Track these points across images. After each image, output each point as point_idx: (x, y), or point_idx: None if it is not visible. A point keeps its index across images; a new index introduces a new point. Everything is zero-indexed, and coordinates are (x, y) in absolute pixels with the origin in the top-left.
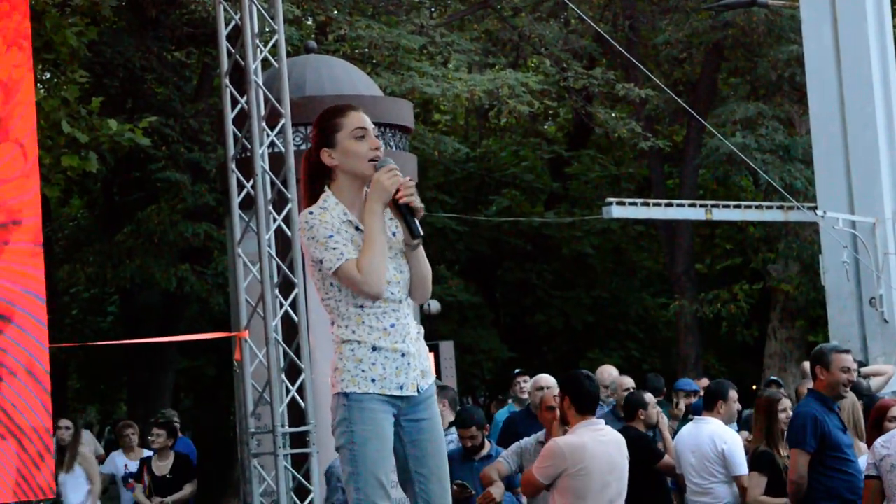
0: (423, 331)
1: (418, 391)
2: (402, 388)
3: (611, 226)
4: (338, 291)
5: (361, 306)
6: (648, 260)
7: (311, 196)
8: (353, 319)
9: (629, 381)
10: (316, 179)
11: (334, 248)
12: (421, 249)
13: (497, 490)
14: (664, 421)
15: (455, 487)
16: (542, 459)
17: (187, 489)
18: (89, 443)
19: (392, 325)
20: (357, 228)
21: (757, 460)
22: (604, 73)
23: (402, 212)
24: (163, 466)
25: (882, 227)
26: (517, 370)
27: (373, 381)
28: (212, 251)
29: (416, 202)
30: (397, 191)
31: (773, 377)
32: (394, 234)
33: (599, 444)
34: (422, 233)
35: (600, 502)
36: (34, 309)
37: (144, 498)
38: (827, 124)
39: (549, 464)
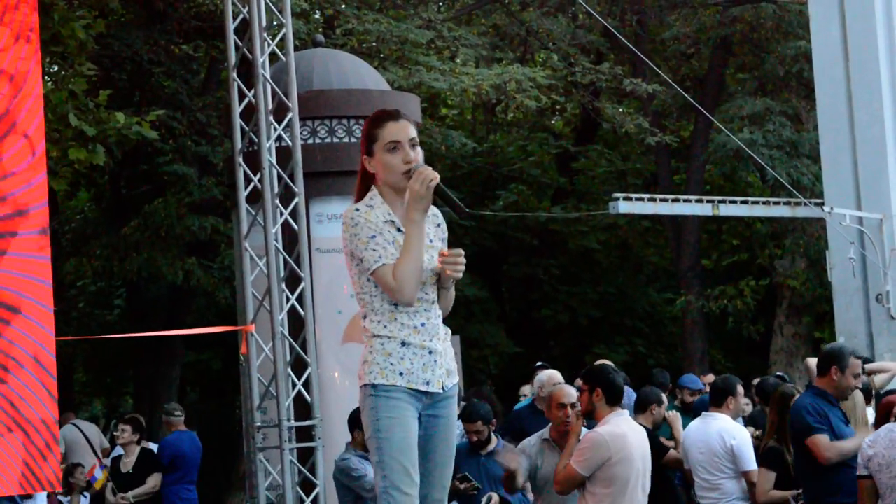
0: (450, 332)
1: (443, 389)
2: (428, 383)
3: (617, 221)
4: (373, 287)
5: (395, 304)
6: (655, 255)
7: (360, 194)
8: (385, 315)
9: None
10: (365, 180)
11: (374, 250)
12: (453, 287)
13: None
14: (675, 416)
15: (456, 482)
16: (582, 452)
17: (150, 482)
18: (94, 437)
19: (423, 324)
20: (399, 229)
21: (766, 456)
22: (611, 69)
23: (441, 193)
24: (127, 463)
25: (889, 224)
26: (539, 363)
27: (400, 374)
28: (218, 245)
29: (437, 177)
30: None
31: (779, 373)
32: (430, 240)
33: (635, 433)
34: (466, 209)
35: (638, 489)
36: (42, 296)
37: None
38: (834, 120)
39: (590, 455)
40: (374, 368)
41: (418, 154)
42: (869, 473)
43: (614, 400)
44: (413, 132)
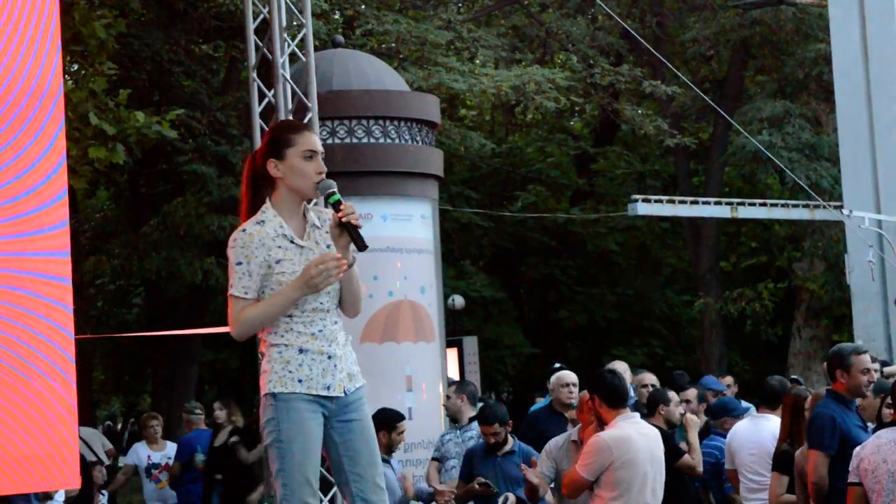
0: (350, 338)
1: (345, 393)
2: (328, 388)
3: (636, 223)
4: None
5: (290, 315)
6: (673, 257)
7: (250, 202)
8: (281, 326)
9: (650, 378)
10: (256, 187)
11: (231, 276)
12: (355, 269)
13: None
14: (693, 421)
15: (477, 486)
16: (585, 456)
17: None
18: (96, 441)
19: (320, 331)
20: (292, 241)
21: (778, 460)
22: (630, 70)
23: (348, 229)
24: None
25: None
26: (556, 365)
27: (299, 381)
28: None
29: (358, 220)
30: (339, 210)
31: (794, 376)
32: (328, 246)
33: (641, 436)
34: (367, 245)
35: (645, 493)
36: (60, 295)
37: None
38: (854, 123)
39: (593, 459)
40: (273, 377)
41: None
42: (858, 480)
43: (616, 402)
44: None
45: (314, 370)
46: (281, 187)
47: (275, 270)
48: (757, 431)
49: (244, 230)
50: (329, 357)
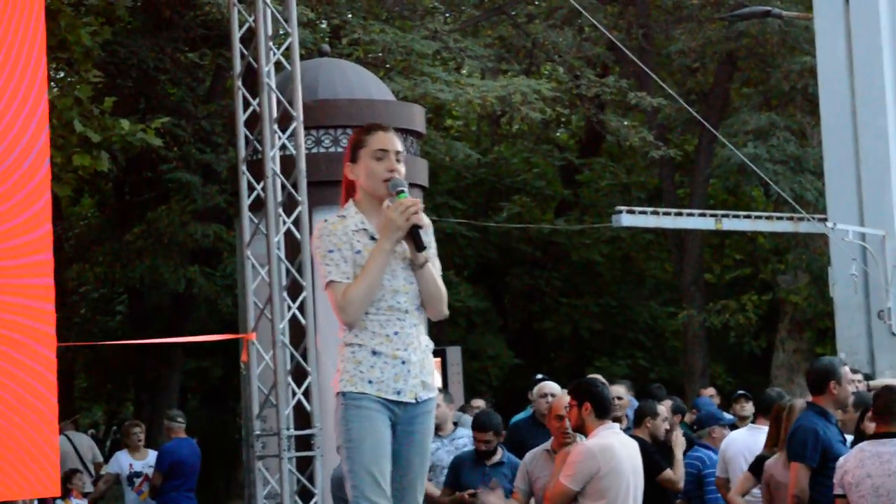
0: (432, 345)
1: (416, 400)
2: (399, 393)
3: (620, 234)
4: None
5: (367, 313)
6: (657, 269)
7: (344, 203)
8: (357, 325)
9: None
10: (348, 192)
11: (327, 265)
12: (430, 269)
13: None
14: (680, 440)
15: (467, 496)
16: (570, 466)
17: None
18: (87, 450)
19: (395, 333)
20: (372, 237)
21: (754, 464)
22: (616, 82)
23: (409, 231)
24: None
25: (892, 240)
26: (539, 375)
27: (370, 382)
28: (221, 253)
29: (422, 219)
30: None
31: (777, 388)
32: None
33: (622, 446)
34: (426, 245)
35: (628, 502)
36: (43, 302)
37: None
38: (839, 136)
39: (580, 468)
40: (345, 377)
41: (403, 171)
42: (843, 492)
43: (603, 413)
44: (401, 147)
45: (386, 373)
46: (360, 189)
47: (357, 262)
48: (753, 441)
49: (326, 220)
50: (403, 362)
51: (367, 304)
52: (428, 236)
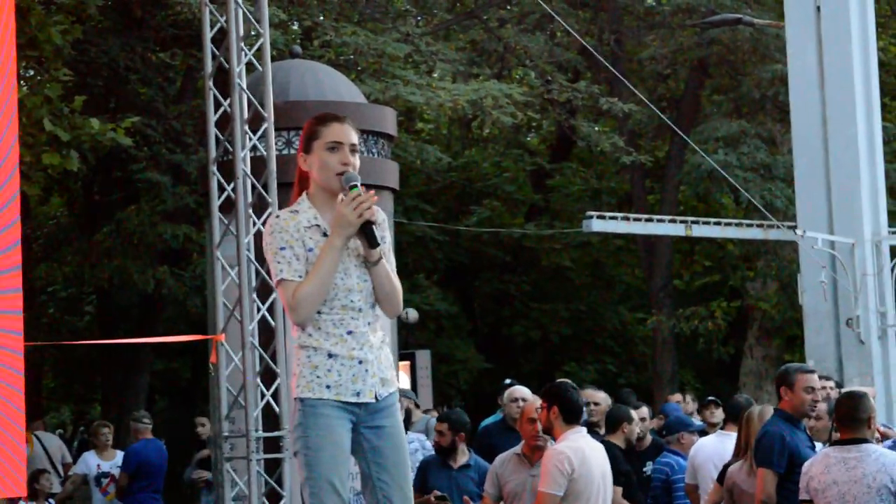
0: (387, 339)
1: (376, 398)
2: (358, 394)
3: (590, 239)
4: None
5: (319, 312)
6: (627, 274)
7: (296, 197)
8: (311, 324)
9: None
10: (301, 183)
11: (279, 262)
12: (385, 265)
13: None
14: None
15: (433, 498)
16: (546, 473)
17: None
18: (56, 451)
19: (349, 333)
20: (325, 234)
21: (722, 473)
22: (588, 87)
23: (362, 227)
24: None
25: (860, 249)
26: (507, 380)
27: (328, 387)
28: (191, 253)
29: (375, 214)
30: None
31: (745, 395)
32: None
33: (591, 449)
34: (379, 242)
35: None
36: (10, 302)
37: None
38: (809, 144)
39: (556, 473)
40: (302, 382)
41: (357, 164)
42: (809, 498)
43: (573, 418)
44: (356, 139)
45: (343, 376)
46: (312, 182)
47: (310, 259)
48: (722, 447)
49: (278, 216)
50: (360, 362)
51: (319, 304)
52: (382, 231)
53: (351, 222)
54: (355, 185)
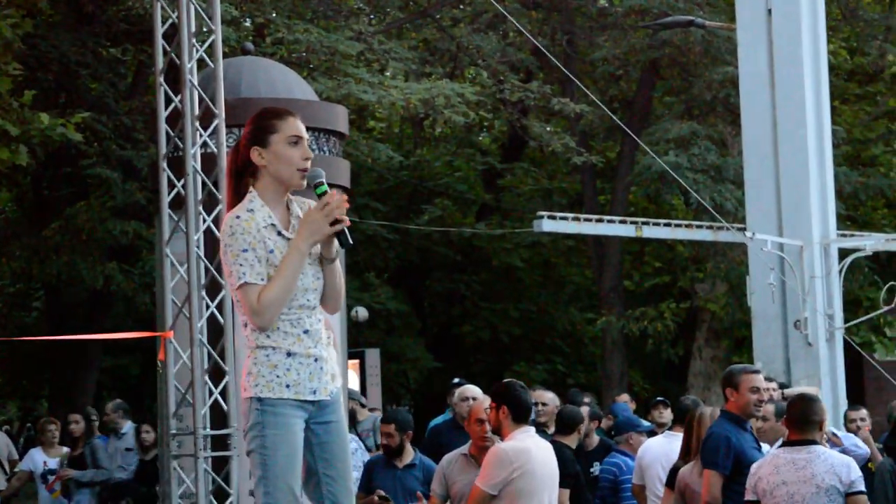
0: (332, 336)
1: (330, 395)
2: (315, 392)
3: (541, 239)
4: None
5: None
6: (577, 275)
7: (234, 192)
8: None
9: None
10: (241, 176)
11: (241, 265)
12: (338, 263)
13: None
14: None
15: (376, 498)
16: (486, 470)
17: None
18: (3, 448)
19: (306, 331)
20: (279, 233)
21: (670, 477)
22: (540, 87)
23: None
24: None
25: (809, 251)
26: (456, 380)
27: (287, 386)
28: (140, 250)
29: (344, 216)
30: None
31: (692, 396)
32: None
33: (539, 448)
34: (352, 242)
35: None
36: None
37: None
38: (759, 147)
39: (495, 471)
40: (260, 381)
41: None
42: (756, 499)
43: (521, 418)
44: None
45: (302, 374)
46: (265, 176)
47: (270, 261)
48: (670, 448)
49: (238, 216)
50: (316, 360)
51: (283, 308)
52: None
53: (322, 229)
54: (322, 184)
